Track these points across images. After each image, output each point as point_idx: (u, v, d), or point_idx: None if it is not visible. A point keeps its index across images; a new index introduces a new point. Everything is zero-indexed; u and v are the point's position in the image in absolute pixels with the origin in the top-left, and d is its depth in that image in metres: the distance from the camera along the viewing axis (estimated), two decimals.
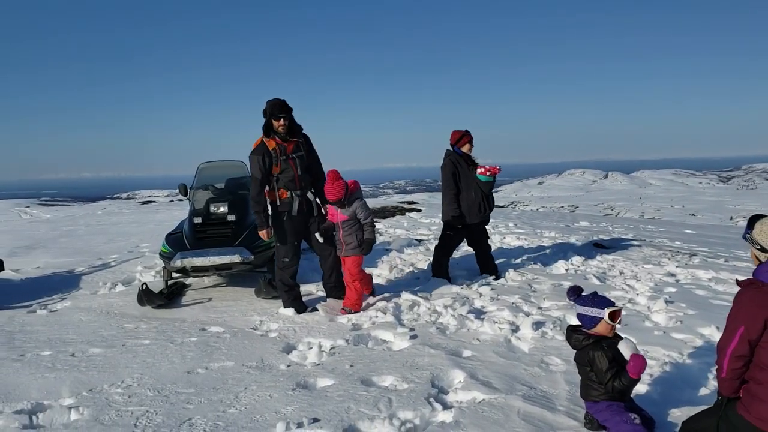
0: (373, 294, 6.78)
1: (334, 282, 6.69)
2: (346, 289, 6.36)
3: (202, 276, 7.57)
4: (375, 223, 6.69)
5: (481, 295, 6.87)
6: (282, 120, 6.03)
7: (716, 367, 3.16)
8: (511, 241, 10.82)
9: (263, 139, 6.17)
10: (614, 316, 3.60)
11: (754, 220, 3.21)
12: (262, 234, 6.35)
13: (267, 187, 6.28)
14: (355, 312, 6.23)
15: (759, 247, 3.07)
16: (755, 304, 2.94)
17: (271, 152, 6.12)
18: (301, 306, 6.40)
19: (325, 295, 6.88)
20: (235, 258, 6.82)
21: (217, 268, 6.94)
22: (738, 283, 3.15)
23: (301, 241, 6.51)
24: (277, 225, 6.38)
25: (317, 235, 6.30)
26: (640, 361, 3.38)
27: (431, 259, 7.94)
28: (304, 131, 6.43)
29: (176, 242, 7.19)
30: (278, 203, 6.31)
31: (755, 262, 3.17)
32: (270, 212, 6.41)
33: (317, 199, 6.57)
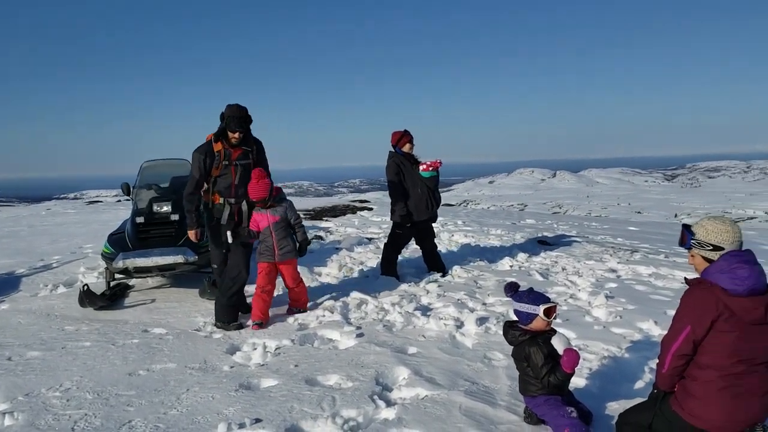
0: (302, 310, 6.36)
1: (236, 302, 6.06)
2: (290, 291, 6.24)
3: (145, 277, 7.42)
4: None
5: (428, 292, 6.95)
6: (238, 134, 5.85)
7: (657, 361, 3.23)
8: (459, 239, 10.95)
9: (212, 138, 5.97)
10: (549, 312, 3.67)
11: (688, 226, 3.26)
12: (191, 234, 6.14)
13: (205, 186, 6.08)
14: (303, 312, 6.21)
15: (711, 247, 3.11)
16: (703, 304, 2.99)
17: (215, 154, 5.92)
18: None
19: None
20: (179, 258, 6.72)
21: (161, 269, 6.82)
22: (687, 281, 3.18)
23: (228, 248, 6.14)
24: (209, 228, 6.19)
25: (228, 233, 5.92)
26: (573, 355, 3.46)
27: (381, 257, 7.97)
28: (257, 138, 6.20)
29: (118, 242, 7.05)
30: (210, 206, 6.12)
31: (700, 268, 3.19)
32: (204, 213, 6.21)
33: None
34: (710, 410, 3.00)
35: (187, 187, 6.02)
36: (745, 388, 2.97)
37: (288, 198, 6.23)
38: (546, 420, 3.61)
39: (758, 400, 2.99)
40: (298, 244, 6.16)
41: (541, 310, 3.64)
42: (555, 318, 3.75)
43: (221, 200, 6.06)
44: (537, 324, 3.70)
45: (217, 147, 5.94)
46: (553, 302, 3.73)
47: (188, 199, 6.00)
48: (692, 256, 3.22)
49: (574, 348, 3.59)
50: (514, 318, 3.90)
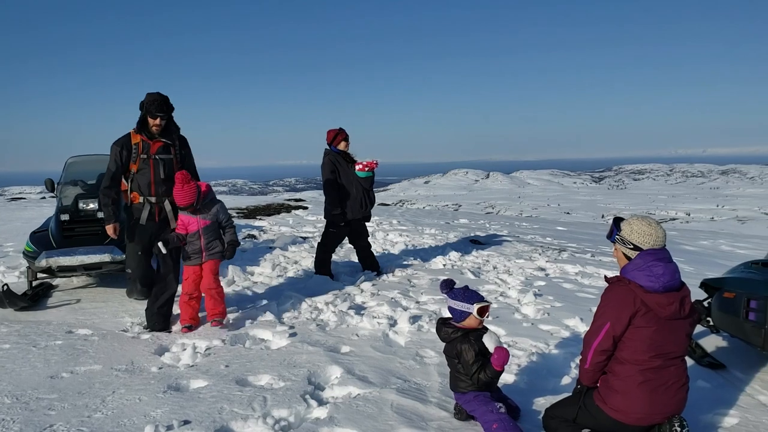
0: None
1: (166, 311, 5.81)
2: (207, 295, 5.80)
3: (69, 276, 7.17)
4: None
5: (362, 291, 6.97)
6: (159, 120, 5.51)
7: (580, 357, 3.36)
8: (394, 238, 11.02)
9: (132, 131, 5.65)
10: (483, 311, 3.73)
11: (618, 221, 3.41)
12: (108, 229, 5.75)
13: (124, 182, 5.74)
14: (223, 320, 5.80)
15: (632, 246, 3.25)
16: (621, 301, 3.13)
17: (132, 146, 5.58)
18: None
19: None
20: (105, 257, 6.52)
21: (86, 268, 6.60)
22: (606, 279, 3.34)
23: (148, 251, 5.81)
24: (127, 228, 5.84)
25: (159, 244, 5.55)
26: (503, 354, 3.54)
27: (315, 256, 7.94)
28: (182, 132, 5.88)
29: (41, 241, 6.78)
30: (129, 206, 5.79)
31: (621, 262, 3.35)
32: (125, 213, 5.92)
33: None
34: (631, 404, 3.12)
35: (103, 180, 5.69)
36: (662, 382, 3.11)
37: (219, 197, 6.07)
38: (475, 416, 3.67)
39: (675, 392, 3.14)
40: (226, 244, 5.85)
41: (475, 308, 3.70)
42: (487, 317, 3.82)
43: (141, 199, 5.70)
44: (470, 322, 3.75)
45: (135, 139, 5.61)
46: (486, 301, 3.78)
47: (104, 192, 5.64)
48: (616, 249, 3.39)
49: (505, 346, 3.67)
50: (448, 315, 3.95)
